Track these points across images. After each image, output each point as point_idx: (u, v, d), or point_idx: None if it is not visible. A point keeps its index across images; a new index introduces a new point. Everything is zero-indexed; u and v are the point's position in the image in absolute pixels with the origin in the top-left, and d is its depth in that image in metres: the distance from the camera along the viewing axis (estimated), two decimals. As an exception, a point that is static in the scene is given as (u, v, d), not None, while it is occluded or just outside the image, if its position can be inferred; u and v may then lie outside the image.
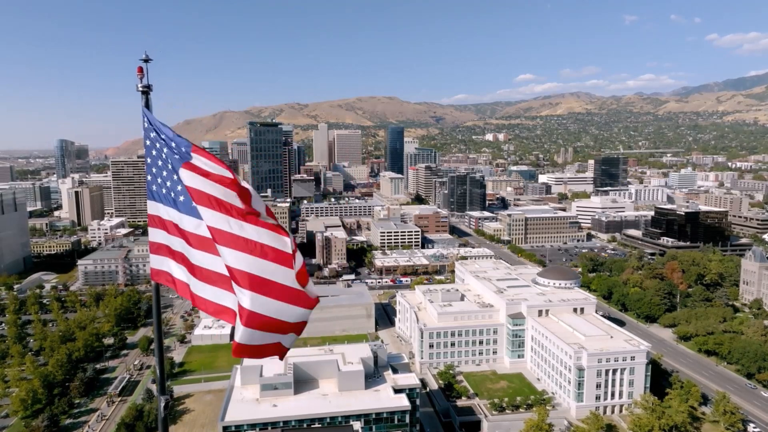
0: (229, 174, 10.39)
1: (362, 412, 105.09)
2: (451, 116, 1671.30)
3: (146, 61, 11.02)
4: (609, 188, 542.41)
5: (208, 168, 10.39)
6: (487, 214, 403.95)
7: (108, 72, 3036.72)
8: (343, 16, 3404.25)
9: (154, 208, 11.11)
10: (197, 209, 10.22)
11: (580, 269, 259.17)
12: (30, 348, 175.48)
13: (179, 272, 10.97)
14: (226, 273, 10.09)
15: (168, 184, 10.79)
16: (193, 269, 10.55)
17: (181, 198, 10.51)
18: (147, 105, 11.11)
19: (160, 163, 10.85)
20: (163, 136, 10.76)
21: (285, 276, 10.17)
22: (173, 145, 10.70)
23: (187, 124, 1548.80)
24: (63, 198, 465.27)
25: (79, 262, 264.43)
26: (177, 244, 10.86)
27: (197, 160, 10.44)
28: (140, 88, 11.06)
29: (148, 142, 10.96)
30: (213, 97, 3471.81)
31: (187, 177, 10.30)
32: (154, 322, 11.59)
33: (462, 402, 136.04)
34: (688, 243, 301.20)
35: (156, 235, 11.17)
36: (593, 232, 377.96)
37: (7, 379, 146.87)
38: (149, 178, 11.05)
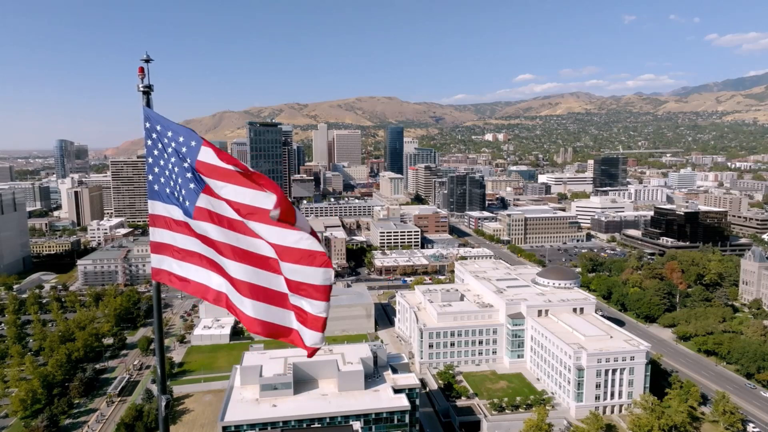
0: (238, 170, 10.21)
1: (362, 412, 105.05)
2: (450, 116, 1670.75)
3: (147, 61, 10.93)
4: (608, 188, 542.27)
5: (217, 164, 10.27)
6: (486, 214, 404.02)
7: (108, 72, 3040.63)
8: (342, 15, 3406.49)
9: (155, 207, 11.08)
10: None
11: (579, 269, 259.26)
12: (29, 348, 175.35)
13: (197, 274, 10.92)
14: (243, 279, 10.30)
15: (171, 183, 10.77)
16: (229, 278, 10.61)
17: (188, 202, 10.53)
18: (148, 105, 11.06)
19: (162, 162, 10.80)
20: (169, 133, 10.69)
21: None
22: (181, 140, 10.61)
23: (187, 124, 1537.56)
24: (62, 198, 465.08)
25: (79, 262, 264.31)
26: (189, 243, 10.82)
27: (207, 156, 10.38)
28: (141, 89, 10.94)
29: (149, 142, 10.89)
30: (212, 97, 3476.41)
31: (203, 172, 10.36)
32: (155, 321, 11.57)
33: (462, 402, 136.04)
34: (687, 243, 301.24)
35: (157, 234, 11.12)
36: (593, 232, 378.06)
37: (7, 379, 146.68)
38: (150, 177, 10.95)
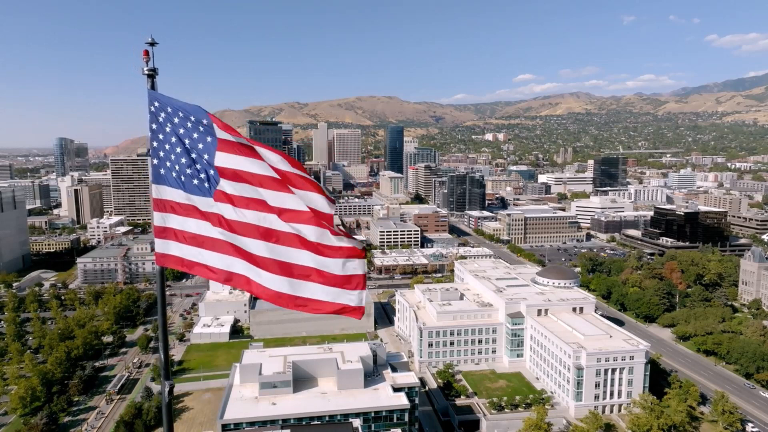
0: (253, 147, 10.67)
1: (361, 410, 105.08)
2: (450, 116, 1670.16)
3: (152, 44, 10.89)
4: (608, 188, 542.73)
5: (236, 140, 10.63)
6: (486, 213, 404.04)
7: (108, 71, 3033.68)
8: (342, 15, 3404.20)
9: (161, 192, 11.00)
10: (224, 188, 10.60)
11: (579, 269, 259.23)
12: (29, 346, 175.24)
13: (205, 256, 10.93)
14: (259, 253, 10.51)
15: (178, 167, 10.72)
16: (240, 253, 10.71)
17: (205, 183, 10.63)
18: (153, 89, 10.98)
19: (168, 147, 10.73)
20: (180, 114, 10.72)
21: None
22: (190, 126, 10.69)
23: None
24: (62, 196, 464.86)
25: (79, 260, 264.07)
26: (196, 226, 10.82)
27: (222, 134, 10.58)
28: (146, 72, 10.85)
29: (154, 126, 10.80)
30: (212, 96, 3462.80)
31: (222, 158, 10.53)
32: (159, 306, 11.57)
33: (461, 401, 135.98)
34: (687, 243, 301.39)
35: (162, 219, 11.05)
36: (592, 232, 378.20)
37: (6, 376, 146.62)
38: (155, 162, 10.88)
